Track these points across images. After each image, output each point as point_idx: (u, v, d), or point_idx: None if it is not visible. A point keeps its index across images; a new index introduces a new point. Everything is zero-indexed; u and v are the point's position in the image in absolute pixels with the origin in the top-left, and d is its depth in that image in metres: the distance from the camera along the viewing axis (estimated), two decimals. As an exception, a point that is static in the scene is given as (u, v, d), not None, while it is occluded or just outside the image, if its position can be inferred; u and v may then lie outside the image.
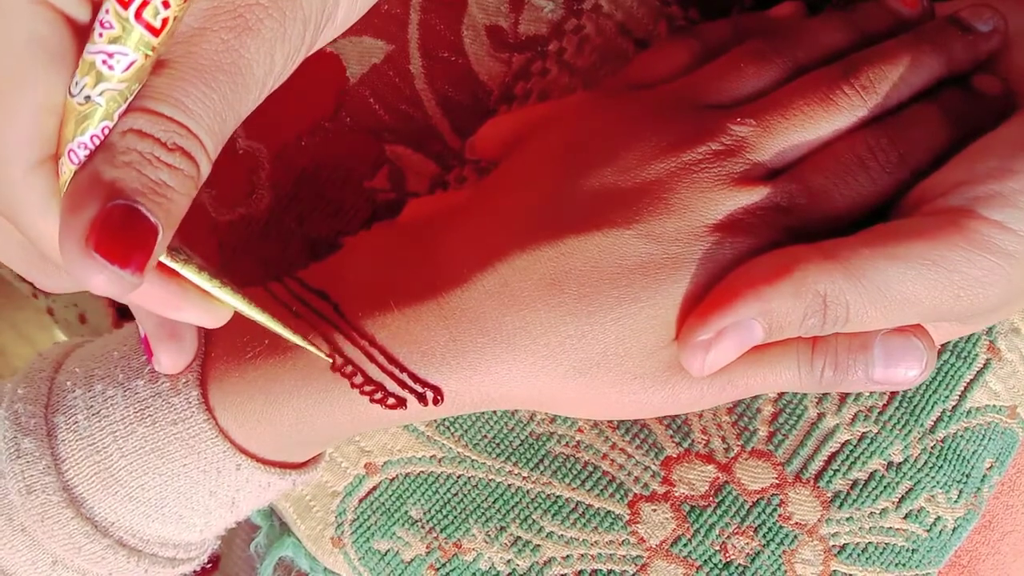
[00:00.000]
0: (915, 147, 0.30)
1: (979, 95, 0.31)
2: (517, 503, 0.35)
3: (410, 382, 0.30)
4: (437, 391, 0.30)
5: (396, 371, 0.30)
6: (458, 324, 0.30)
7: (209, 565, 0.35)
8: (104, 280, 0.22)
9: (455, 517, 0.35)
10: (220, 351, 0.31)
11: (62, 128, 0.23)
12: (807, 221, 0.29)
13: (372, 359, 0.30)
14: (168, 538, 0.31)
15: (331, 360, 0.30)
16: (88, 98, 0.22)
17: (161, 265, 0.25)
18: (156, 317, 0.29)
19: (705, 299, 0.29)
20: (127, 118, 0.23)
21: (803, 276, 0.27)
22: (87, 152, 0.22)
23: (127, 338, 0.31)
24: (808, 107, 0.30)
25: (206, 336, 0.31)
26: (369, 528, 0.35)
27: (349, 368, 0.30)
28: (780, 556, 0.34)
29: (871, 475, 0.34)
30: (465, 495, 0.35)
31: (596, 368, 0.30)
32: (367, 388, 0.30)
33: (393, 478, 0.35)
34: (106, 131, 0.22)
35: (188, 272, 0.26)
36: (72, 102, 0.22)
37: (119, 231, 0.22)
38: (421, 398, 0.30)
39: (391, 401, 0.30)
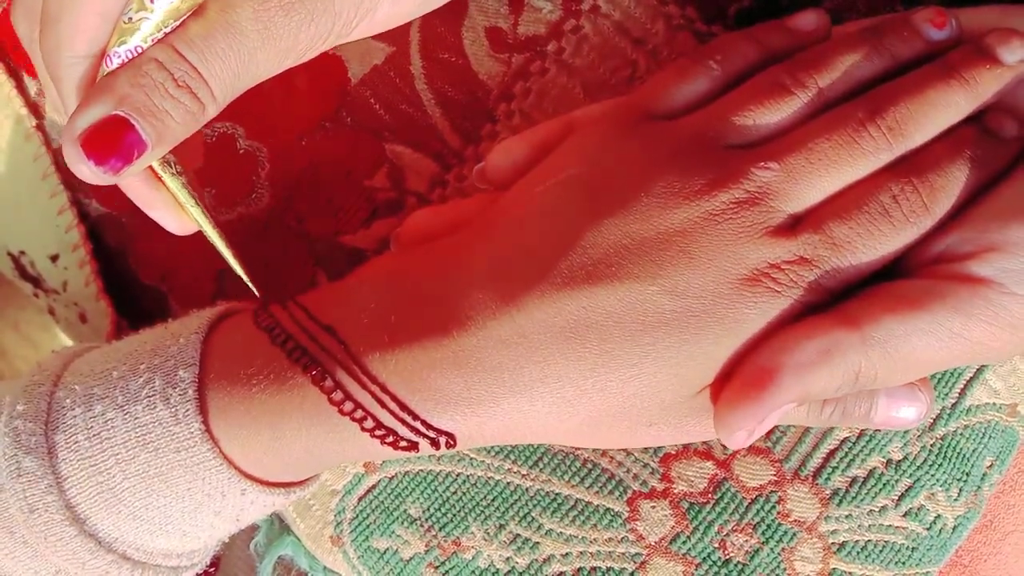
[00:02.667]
0: (938, 193, 0.29)
1: (994, 134, 0.31)
2: (516, 501, 0.34)
3: (423, 428, 0.29)
4: (451, 437, 0.30)
5: (409, 418, 0.29)
6: (474, 373, 0.29)
7: (212, 569, 0.35)
8: (81, 169, 0.28)
9: (454, 515, 0.35)
10: (221, 380, 0.30)
11: (110, 39, 0.28)
12: (829, 273, 0.29)
13: (384, 405, 0.29)
14: (171, 550, 0.31)
15: (263, 302, 0.32)
16: (131, 19, 0.27)
17: (151, 169, 0.30)
18: (134, 194, 0.32)
19: (742, 378, 0.28)
20: (157, 47, 0.28)
21: (842, 359, 0.28)
22: (120, 61, 0.28)
23: (127, 356, 0.31)
24: (832, 150, 0.29)
25: (202, 362, 0.30)
26: (368, 526, 0.35)
27: (359, 413, 0.29)
28: (779, 553, 0.34)
29: (870, 472, 0.34)
30: (464, 493, 0.35)
31: (611, 419, 0.30)
32: (378, 432, 0.29)
33: (392, 476, 0.35)
34: (138, 50, 0.28)
35: (170, 181, 0.30)
36: (122, 19, 0.28)
37: (108, 137, 0.27)
38: (434, 443, 0.30)
39: (403, 444, 0.30)
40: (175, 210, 0.31)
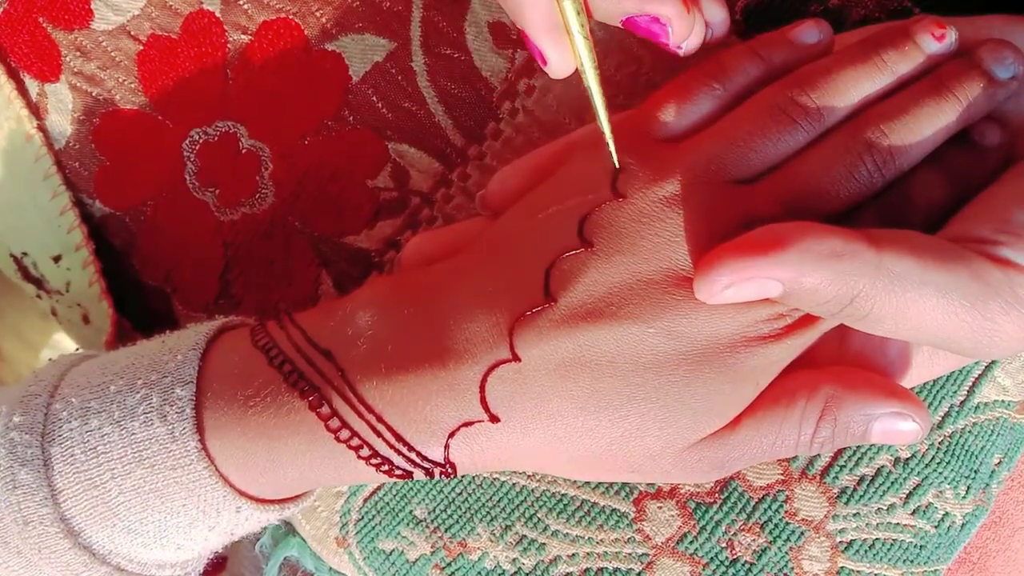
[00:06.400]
0: (916, 213, 0.30)
1: (979, 147, 0.31)
2: (522, 502, 0.34)
3: (417, 459, 0.30)
4: (451, 466, 0.30)
5: (404, 449, 0.29)
6: (469, 407, 0.29)
7: (208, 572, 0.35)
8: None
9: (460, 516, 0.35)
10: (218, 399, 0.30)
11: None
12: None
13: (379, 435, 0.29)
14: (165, 560, 0.31)
15: (612, 180, 0.30)
16: None
17: None
18: (539, 16, 0.30)
19: (749, 236, 0.27)
20: None
21: (851, 269, 0.26)
22: None
23: (124, 370, 0.31)
24: (833, 188, 0.29)
25: (199, 380, 0.30)
26: (374, 528, 0.35)
27: (356, 441, 0.29)
28: (787, 552, 0.34)
29: (878, 471, 0.34)
30: (470, 494, 0.35)
31: (597, 459, 0.30)
32: (374, 461, 0.29)
33: (398, 477, 0.35)
34: None
35: (569, 6, 0.29)
36: None
37: None
38: (428, 473, 0.30)
39: (399, 472, 0.30)
40: (561, 41, 0.29)
